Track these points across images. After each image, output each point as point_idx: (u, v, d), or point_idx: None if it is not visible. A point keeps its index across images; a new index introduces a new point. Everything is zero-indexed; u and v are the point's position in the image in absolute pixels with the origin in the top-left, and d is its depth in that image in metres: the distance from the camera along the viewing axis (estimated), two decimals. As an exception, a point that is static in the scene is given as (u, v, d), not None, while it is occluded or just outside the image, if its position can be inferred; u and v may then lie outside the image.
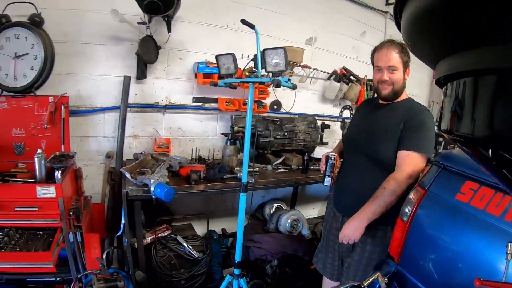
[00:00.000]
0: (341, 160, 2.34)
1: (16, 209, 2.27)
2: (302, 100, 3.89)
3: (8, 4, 2.51)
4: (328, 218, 2.38)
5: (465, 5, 0.41)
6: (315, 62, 3.78)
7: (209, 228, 3.38)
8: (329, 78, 3.92)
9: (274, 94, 3.43)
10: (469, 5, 0.40)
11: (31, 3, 2.53)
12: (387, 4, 4.34)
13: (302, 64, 3.54)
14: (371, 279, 1.53)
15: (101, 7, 2.78)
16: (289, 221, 3.29)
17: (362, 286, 1.48)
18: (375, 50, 2.09)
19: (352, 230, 1.86)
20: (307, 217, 3.88)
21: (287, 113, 3.20)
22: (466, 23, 0.43)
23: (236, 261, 2.37)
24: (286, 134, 3.30)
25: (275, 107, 3.68)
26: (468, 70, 0.46)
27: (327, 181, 2.17)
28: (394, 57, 1.97)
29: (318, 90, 4.01)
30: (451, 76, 0.51)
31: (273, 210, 3.58)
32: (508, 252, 1.52)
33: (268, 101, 3.61)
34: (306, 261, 2.97)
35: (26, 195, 2.26)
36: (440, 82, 0.58)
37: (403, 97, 2.10)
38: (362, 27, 4.23)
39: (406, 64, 2.02)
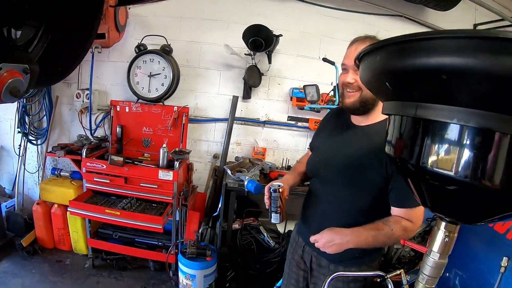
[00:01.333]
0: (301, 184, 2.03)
1: (141, 184, 3.12)
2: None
3: (145, 36, 3.47)
4: (292, 243, 2.00)
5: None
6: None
7: (289, 228, 3.79)
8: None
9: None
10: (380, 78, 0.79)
11: (163, 36, 3.44)
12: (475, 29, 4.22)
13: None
14: (394, 274, 1.69)
15: (216, 40, 3.62)
16: (356, 231, 3.56)
17: (386, 277, 1.66)
18: (347, 48, 1.66)
19: (332, 245, 1.51)
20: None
21: None
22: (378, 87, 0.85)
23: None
24: None
25: None
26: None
27: (275, 218, 1.70)
28: None
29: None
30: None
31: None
32: (502, 265, 1.70)
33: None
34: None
35: (150, 176, 3.09)
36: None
37: (380, 115, 1.57)
38: None
39: None
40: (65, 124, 3.95)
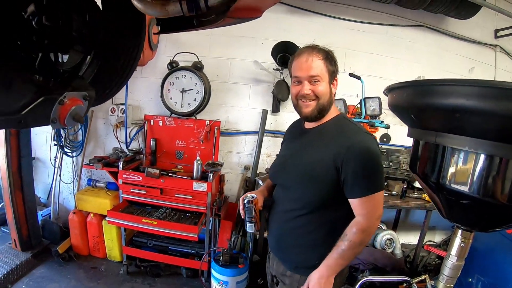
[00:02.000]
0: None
1: (176, 195, 3.26)
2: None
3: (176, 54, 3.62)
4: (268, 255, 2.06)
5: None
6: (424, 100, 4.05)
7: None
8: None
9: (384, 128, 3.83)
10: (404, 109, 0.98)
11: (194, 53, 3.60)
12: (496, 37, 4.27)
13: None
14: (419, 279, 1.76)
15: (245, 56, 3.76)
16: (384, 238, 3.61)
17: (412, 282, 1.73)
18: (293, 59, 1.68)
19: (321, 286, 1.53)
20: (407, 243, 4.15)
21: (393, 145, 3.67)
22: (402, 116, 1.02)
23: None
24: (390, 163, 3.61)
25: (384, 139, 3.97)
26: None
27: (250, 228, 1.80)
28: (318, 65, 1.58)
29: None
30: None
31: (373, 229, 3.90)
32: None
33: (378, 134, 3.87)
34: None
35: (185, 187, 3.23)
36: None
37: (331, 114, 1.69)
38: (470, 63, 4.21)
39: (332, 75, 1.63)
40: (100, 137, 4.15)
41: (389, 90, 1.05)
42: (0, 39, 1.01)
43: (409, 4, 3.54)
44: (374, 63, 3.86)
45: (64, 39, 1.22)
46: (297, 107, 1.70)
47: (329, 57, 1.60)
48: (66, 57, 1.30)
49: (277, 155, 2.01)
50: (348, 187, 1.51)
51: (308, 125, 1.75)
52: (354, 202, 1.53)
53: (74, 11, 1.24)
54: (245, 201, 1.72)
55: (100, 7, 1.41)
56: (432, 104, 0.83)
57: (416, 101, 0.91)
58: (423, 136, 0.95)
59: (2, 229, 4.15)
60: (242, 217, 1.79)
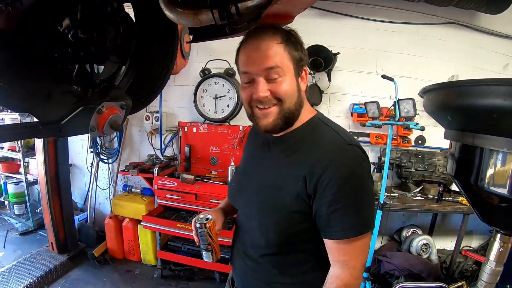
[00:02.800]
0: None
1: (211, 200, 3.29)
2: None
3: (208, 61, 3.67)
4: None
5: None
6: (459, 100, 3.95)
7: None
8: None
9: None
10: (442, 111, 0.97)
11: (226, 60, 3.63)
12: (530, 30, 4.04)
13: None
14: (455, 286, 1.70)
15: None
16: (419, 244, 3.50)
17: None
18: (239, 49, 1.18)
19: None
20: (443, 248, 4.01)
21: (428, 147, 3.61)
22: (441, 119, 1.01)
23: (366, 266, 2.87)
24: (426, 166, 3.56)
25: (419, 141, 3.89)
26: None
27: (206, 257, 1.37)
28: (276, 51, 1.09)
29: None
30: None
31: (409, 234, 3.81)
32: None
33: (413, 136, 3.87)
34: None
35: (220, 192, 3.26)
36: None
37: (303, 117, 1.21)
38: (505, 59, 4.03)
39: (299, 64, 1.15)
40: (135, 144, 4.26)
41: (424, 92, 1.04)
42: (39, 53, 1.08)
43: (438, 1, 3.46)
44: (406, 64, 3.79)
45: (99, 50, 1.28)
46: (252, 118, 1.22)
47: (291, 39, 1.13)
48: (102, 68, 1.38)
49: (236, 168, 1.56)
50: (323, 222, 1.09)
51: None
52: (329, 244, 1.11)
53: (108, 24, 1.30)
54: (197, 225, 1.31)
55: (133, 19, 1.47)
56: (469, 105, 0.83)
57: (452, 102, 0.90)
58: (460, 138, 0.93)
59: (40, 232, 4.34)
60: (197, 243, 1.36)
